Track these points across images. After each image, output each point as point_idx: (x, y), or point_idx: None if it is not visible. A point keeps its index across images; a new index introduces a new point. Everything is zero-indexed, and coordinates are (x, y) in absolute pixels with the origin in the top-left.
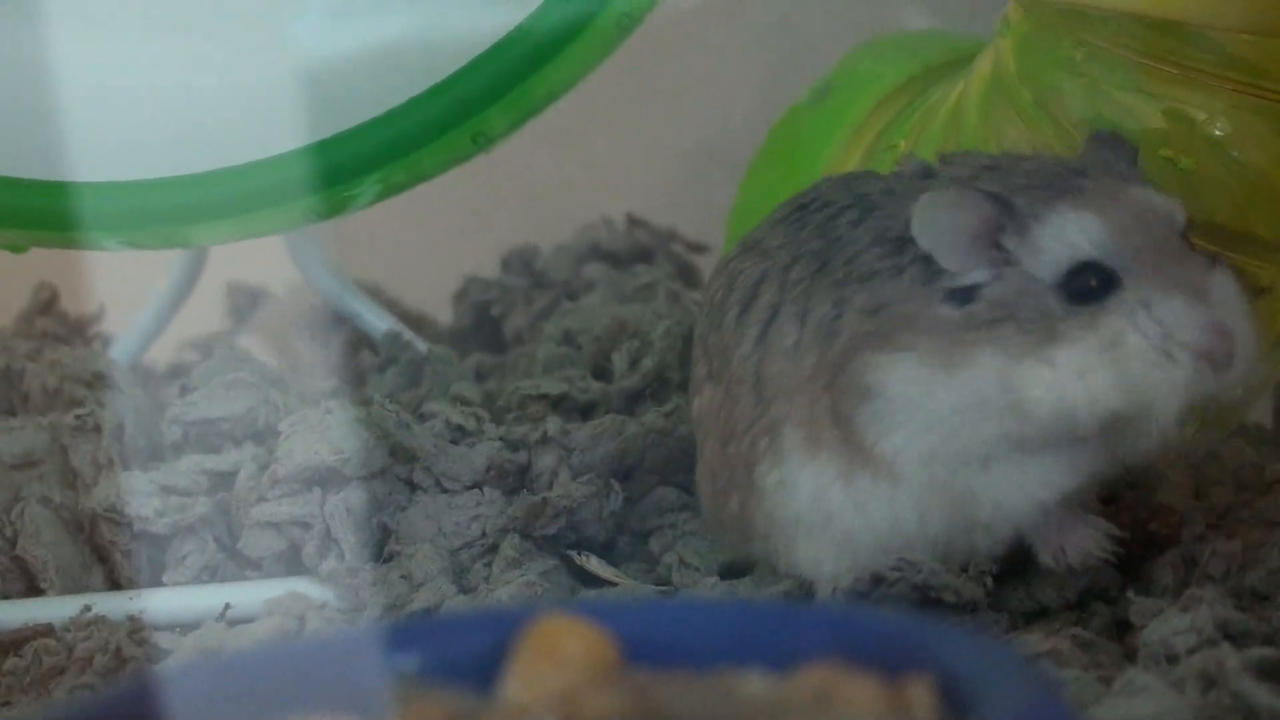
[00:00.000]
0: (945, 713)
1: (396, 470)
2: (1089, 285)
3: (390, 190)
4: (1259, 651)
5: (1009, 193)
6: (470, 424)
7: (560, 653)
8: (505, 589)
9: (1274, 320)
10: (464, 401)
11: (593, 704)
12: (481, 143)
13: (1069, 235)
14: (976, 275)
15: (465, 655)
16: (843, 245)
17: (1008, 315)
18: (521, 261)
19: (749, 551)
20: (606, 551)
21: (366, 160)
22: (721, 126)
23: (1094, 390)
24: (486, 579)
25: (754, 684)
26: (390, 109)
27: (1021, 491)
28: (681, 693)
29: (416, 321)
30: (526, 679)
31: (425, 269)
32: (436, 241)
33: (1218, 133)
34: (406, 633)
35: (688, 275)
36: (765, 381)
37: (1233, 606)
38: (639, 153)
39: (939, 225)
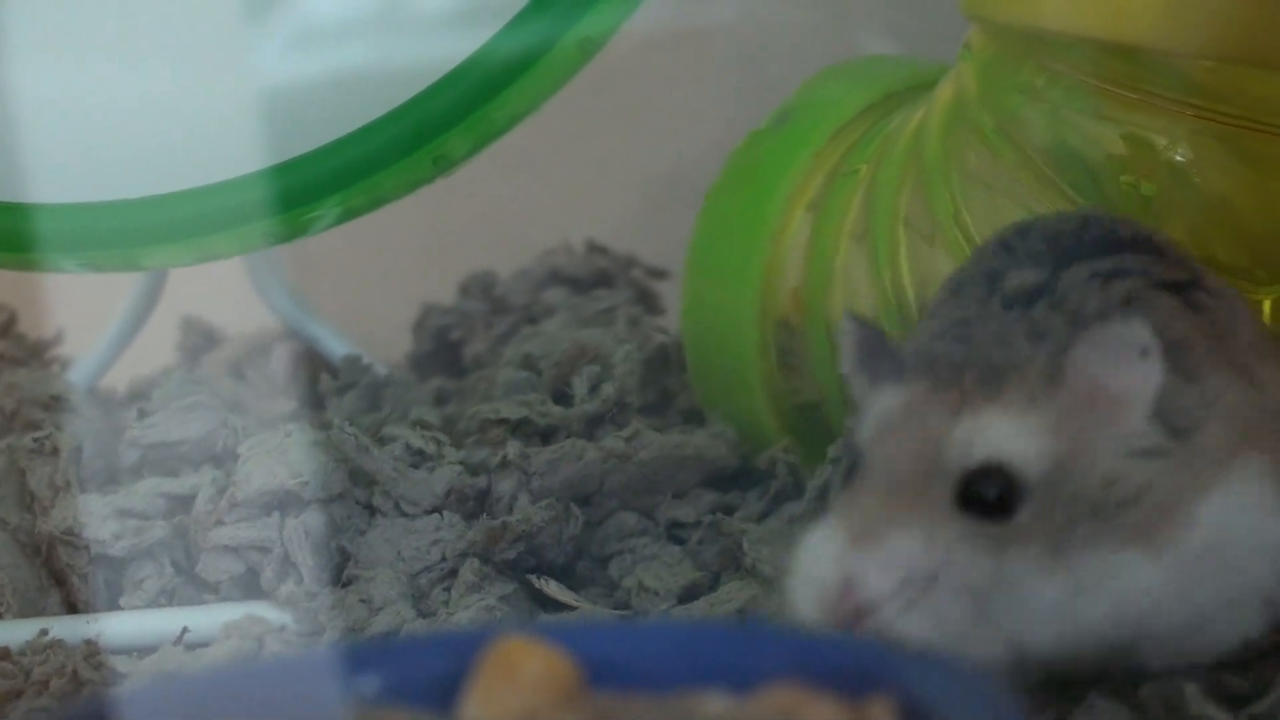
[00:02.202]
0: None
1: (356, 494)
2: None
3: (350, 213)
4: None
5: None
6: (430, 448)
7: (520, 675)
8: (465, 613)
9: None
10: (424, 425)
11: None
12: (442, 166)
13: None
14: None
15: (426, 678)
16: None
17: None
18: (480, 286)
19: None
20: (566, 576)
21: (326, 183)
22: (682, 152)
23: None
24: (446, 603)
25: (715, 705)
26: (350, 132)
27: None
28: (642, 715)
29: (376, 346)
30: (486, 701)
31: (384, 294)
32: (395, 266)
33: (1179, 158)
34: (366, 655)
35: (648, 300)
36: None
37: None
38: (599, 178)
39: None
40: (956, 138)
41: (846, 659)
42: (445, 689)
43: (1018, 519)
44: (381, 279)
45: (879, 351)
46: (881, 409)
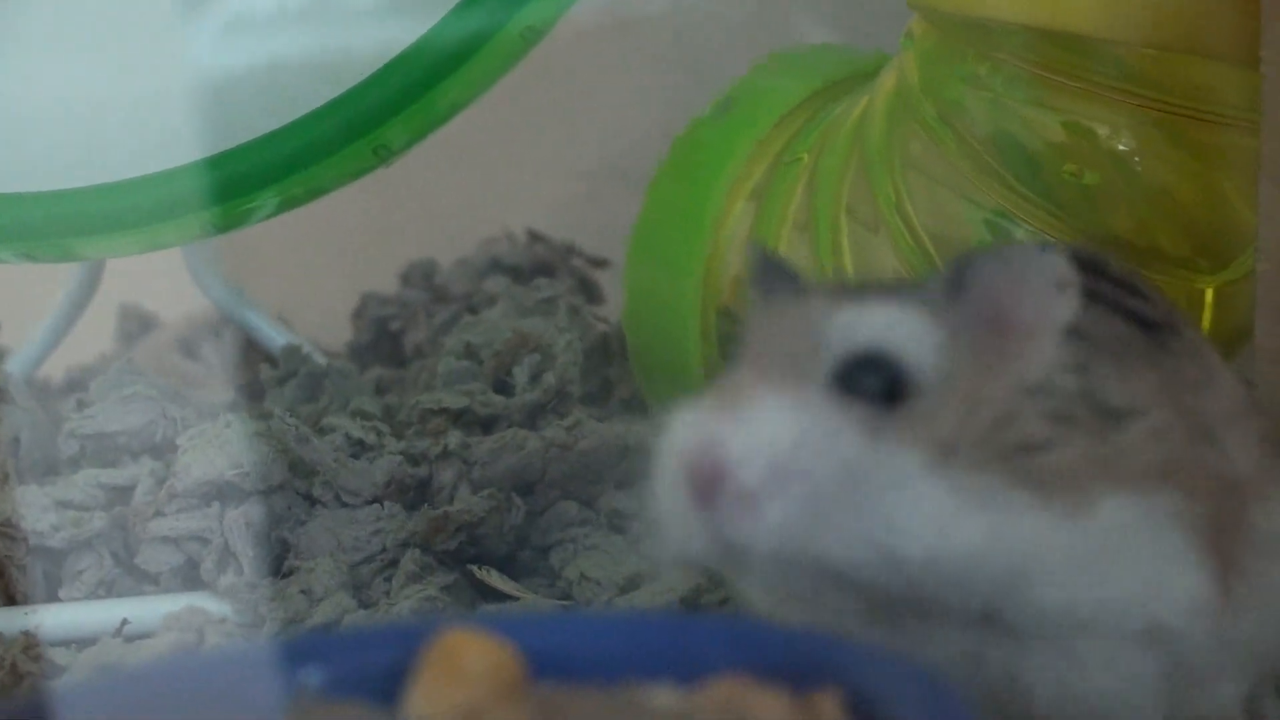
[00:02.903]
0: None
1: (296, 484)
2: None
3: (289, 204)
4: None
5: None
6: (370, 438)
7: (464, 667)
8: (406, 603)
9: None
10: (364, 415)
11: (496, 719)
12: (382, 156)
13: None
14: None
15: (370, 670)
16: None
17: None
18: (421, 275)
19: None
20: (508, 566)
21: (264, 174)
22: (623, 141)
23: None
24: (387, 593)
25: (661, 697)
26: (290, 122)
27: None
28: (587, 707)
29: (316, 335)
30: (430, 694)
31: (324, 283)
32: (335, 256)
33: (1121, 147)
34: (311, 647)
35: (589, 289)
36: None
37: None
38: (540, 167)
39: None
40: (899, 127)
41: (793, 651)
42: (389, 681)
43: (899, 413)
44: (321, 268)
45: (780, 274)
46: (768, 310)
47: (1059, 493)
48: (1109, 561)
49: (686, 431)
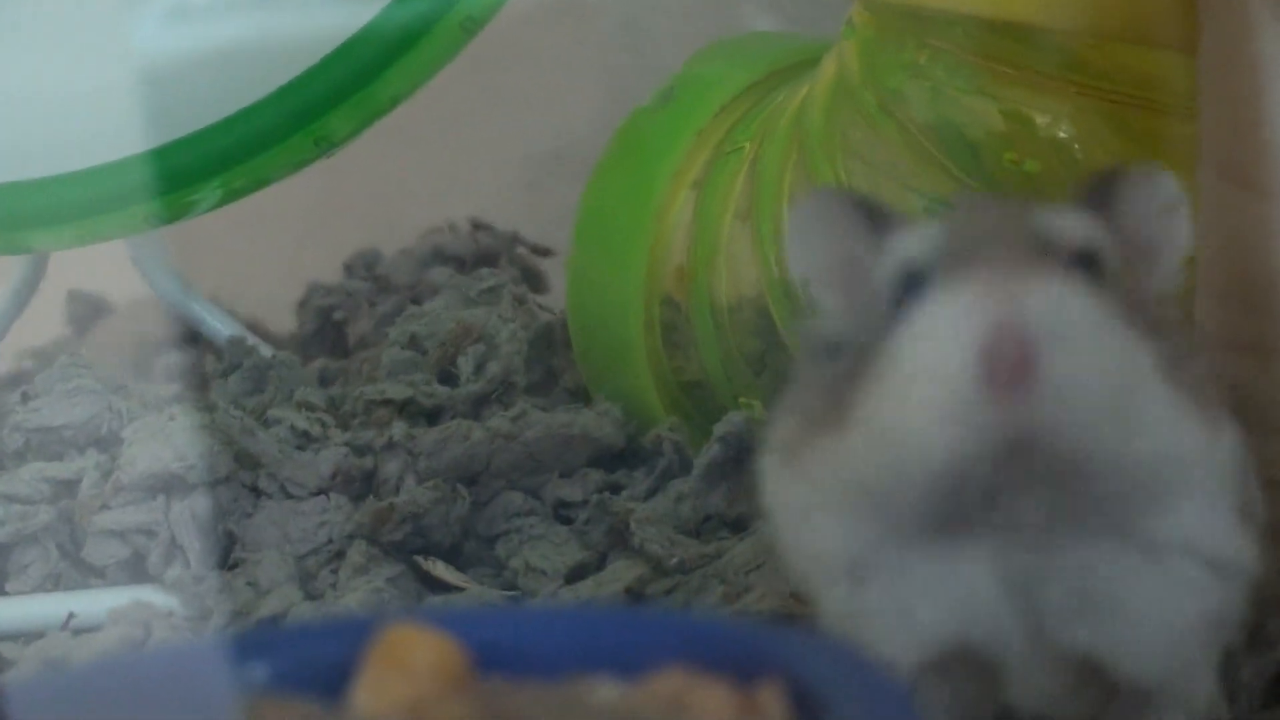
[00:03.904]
0: (796, 717)
1: (241, 476)
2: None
3: (232, 195)
4: None
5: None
6: (315, 430)
7: (409, 662)
8: (352, 595)
9: None
10: (309, 407)
11: (442, 713)
12: (324, 147)
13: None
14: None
15: (316, 665)
16: None
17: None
18: (364, 265)
19: None
20: (453, 556)
21: (208, 165)
22: (566, 130)
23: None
24: (333, 585)
25: (605, 691)
26: (232, 114)
27: None
28: (532, 701)
29: (260, 326)
30: (376, 688)
31: (268, 275)
32: (279, 247)
33: (1061, 135)
34: (256, 642)
35: (532, 279)
36: None
37: None
38: (483, 157)
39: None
40: (839, 115)
41: (736, 643)
42: (336, 675)
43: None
44: (265, 259)
45: (876, 210)
46: (929, 231)
47: (1202, 408)
48: (1228, 490)
49: (975, 316)
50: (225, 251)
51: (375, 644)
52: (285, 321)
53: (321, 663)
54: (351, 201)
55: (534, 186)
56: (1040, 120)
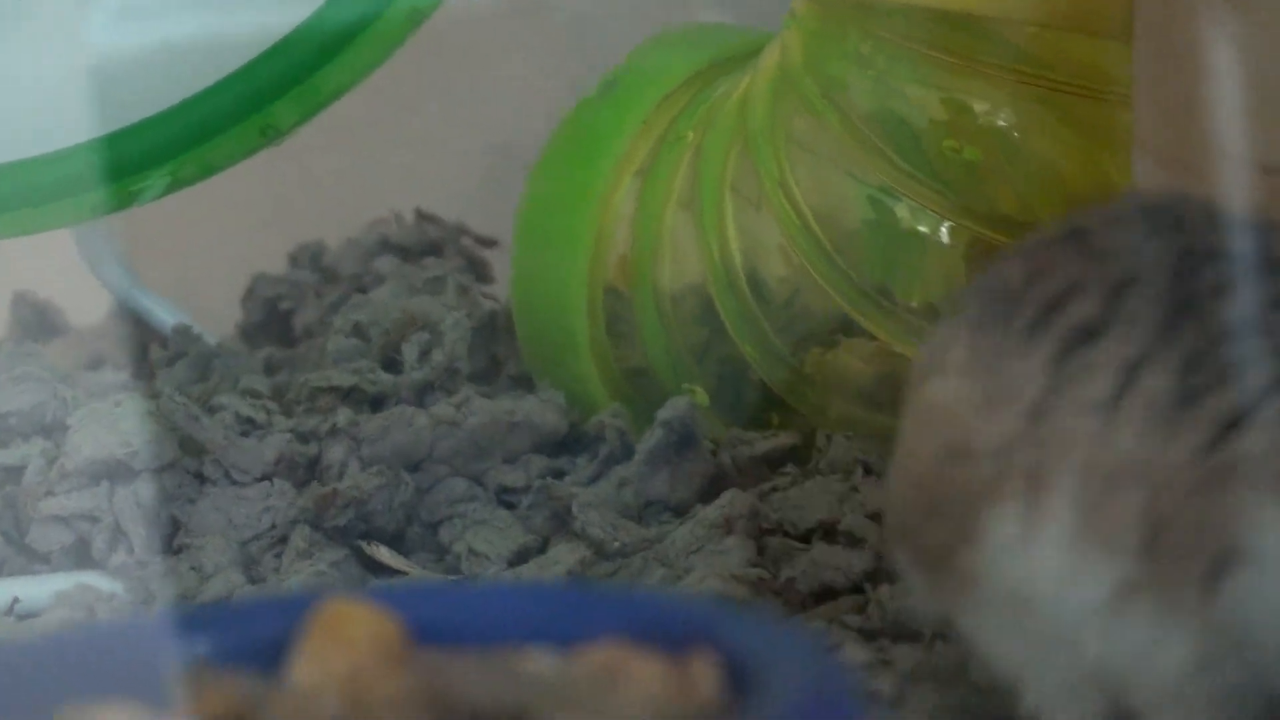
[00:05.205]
0: (728, 689)
1: (186, 463)
2: None
3: (178, 183)
4: None
5: None
6: (260, 416)
7: (347, 636)
8: (295, 579)
9: None
10: (253, 394)
11: (378, 685)
12: (270, 135)
13: None
14: None
15: (255, 641)
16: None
17: None
18: (310, 256)
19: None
20: (396, 541)
21: (155, 153)
22: (514, 121)
23: None
24: (276, 570)
25: (540, 662)
26: (178, 102)
27: None
28: (467, 672)
29: (207, 316)
30: (313, 662)
31: (215, 266)
32: (225, 238)
33: (1001, 123)
34: (196, 619)
35: (478, 269)
36: (1045, 416)
37: None
38: (436, 149)
39: None
40: (782, 104)
41: (670, 616)
42: (276, 651)
43: None
44: (212, 250)
45: None
46: None
47: None
48: None
49: None
50: (173, 243)
51: (314, 619)
52: (233, 312)
53: (262, 638)
54: (303, 195)
55: (486, 178)
56: (980, 108)
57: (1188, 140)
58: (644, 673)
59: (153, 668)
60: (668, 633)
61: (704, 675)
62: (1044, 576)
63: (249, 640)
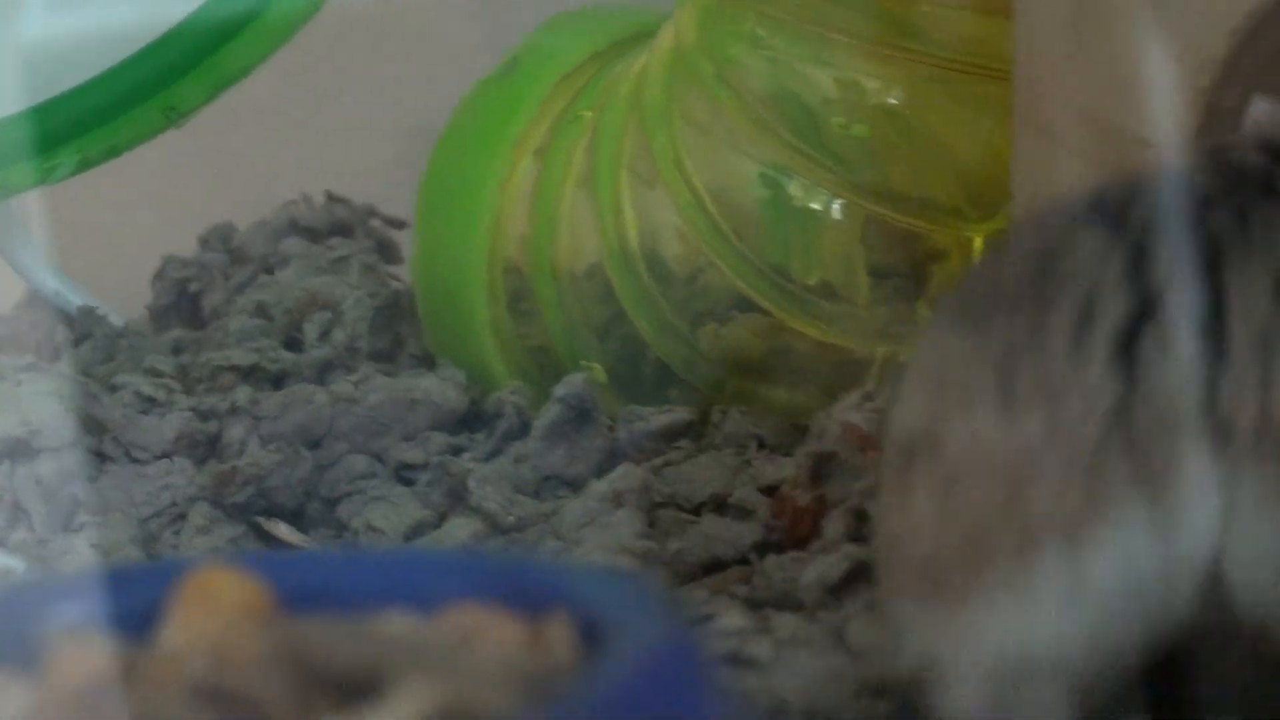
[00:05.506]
0: (583, 649)
1: (86, 441)
2: None
3: (86, 164)
4: None
5: None
6: (161, 395)
7: (214, 600)
8: (194, 555)
9: (950, 283)
10: (155, 373)
11: (242, 647)
12: (172, 116)
13: None
14: None
15: (128, 607)
16: None
17: None
18: (219, 238)
19: None
20: (296, 518)
21: (60, 133)
22: (427, 102)
23: None
24: (175, 547)
25: (399, 624)
26: (82, 82)
27: None
28: (327, 635)
29: (117, 298)
30: (183, 626)
31: (127, 248)
32: (138, 222)
33: (892, 101)
34: (67, 586)
35: (386, 250)
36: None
37: None
38: (345, 130)
39: None
40: (677, 85)
41: (526, 579)
42: (148, 618)
43: None
44: (124, 233)
45: None
46: None
47: None
48: None
49: None
50: (83, 225)
51: (184, 585)
52: (142, 293)
53: (135, 605)
54: (219, 178)
55: (398, 160)
56: (872, 86)
57: (1065, 114)
58: (500, 634)
59: (19, 633)
60: (524, 595)
61: (559, 636)
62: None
63: (123, 607)
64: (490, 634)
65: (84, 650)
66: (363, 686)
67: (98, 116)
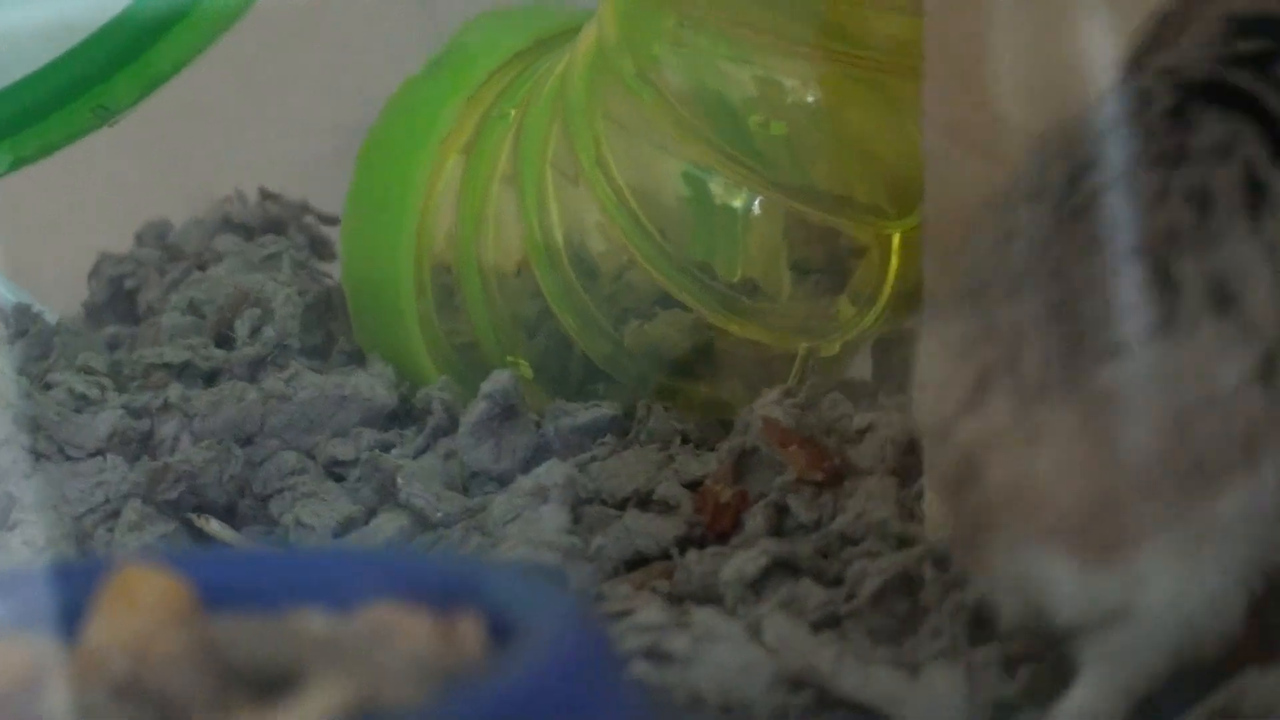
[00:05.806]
0: (492, 645)
1: (19, 439)
2: None
3: (20, 162)
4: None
5: None
6: (93, 392)
7: (137, 599)
8: (126, 552)
9: (871, 279)
10: (88, 371)
11: (163, 645)
12: (102, 115)
13: None
14: None
15: (54, 605)
16: None
17: None
18: (155, 235)
19: None
20: (228, 514)
21: None
22: (362, 99)
23: None
24: (109, 544)
25: (315, 622)
26: (13, 82)
27: None
28: (247, 631)
29: (52, 295)
30: (107, 625)
31: (63, 246)
32: (75, 219)
33: (810, 99)
34: None
35: (319, 247)
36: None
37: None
38: (280, 126)
39: None
40: (599, 83)
41: (439, 577)
42: (74, 616)
43: None
44: (61, 230)
45: None
46: None
47: None
48: None
49: None
50: (18, 222)
51: (108, 583)
52: (77, 291)
53: (60, 603)
54: (155, 175)
55: (333, 157)
56: (791, 84)
57: (976, 116)
58: (412, 631)
59: None
60: (437, 592)
61: (469, 632)
62: None
63: (49, 605)
64: (402, 631)
65: (10, 649)
66: (279, 683)
67: (29, 116)
